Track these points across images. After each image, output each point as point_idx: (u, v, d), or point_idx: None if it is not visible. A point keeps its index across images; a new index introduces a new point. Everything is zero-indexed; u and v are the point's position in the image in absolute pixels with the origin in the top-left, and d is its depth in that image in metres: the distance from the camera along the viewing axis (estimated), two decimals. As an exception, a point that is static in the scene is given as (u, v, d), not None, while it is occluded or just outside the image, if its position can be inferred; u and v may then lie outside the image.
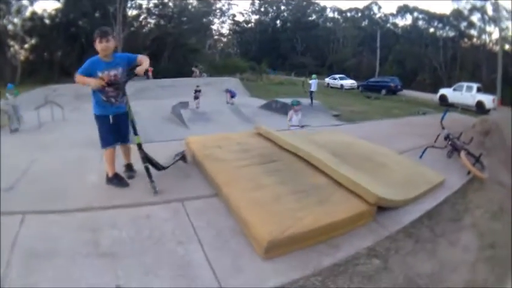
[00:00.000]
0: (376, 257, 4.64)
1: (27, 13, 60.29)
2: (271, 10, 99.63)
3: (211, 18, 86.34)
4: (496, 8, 57.66)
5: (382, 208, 5.58)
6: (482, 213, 5.94)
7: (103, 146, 6.74)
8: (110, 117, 6.70)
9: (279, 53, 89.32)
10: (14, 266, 4.27)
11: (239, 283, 4.13)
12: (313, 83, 31.39)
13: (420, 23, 78.18)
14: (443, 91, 32.39)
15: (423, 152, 8.79)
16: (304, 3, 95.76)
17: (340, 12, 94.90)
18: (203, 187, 6.57)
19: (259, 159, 7.37)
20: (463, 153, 8.07)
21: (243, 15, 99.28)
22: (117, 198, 6.17)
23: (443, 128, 9.46)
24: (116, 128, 6.80)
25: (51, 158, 8.86)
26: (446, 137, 9.12)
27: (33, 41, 64.00)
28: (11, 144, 11.63)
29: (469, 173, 7.65)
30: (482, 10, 62.06)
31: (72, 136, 12.95)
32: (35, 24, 61.11)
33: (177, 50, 63.23)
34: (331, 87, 53.33)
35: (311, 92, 29.98)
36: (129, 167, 7.34)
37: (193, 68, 49.28)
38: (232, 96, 29.92)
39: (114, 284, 4.04)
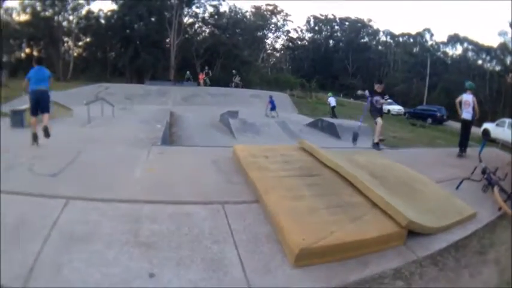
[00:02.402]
0: (401, 279, 4.82)
1: (83, 11, 62.32)
2: (325, 29, 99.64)
3: (265, 32, 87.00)
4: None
5: (413, 233, 5.74)
6: (506, 250, 6.05)
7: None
8: None
9: (330, 73, 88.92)
10: (50, 243, 4.69)
11: (267, 284, 4.38)
12: (331, 100, 34.93)
13: (469, 54, 77.44)
14: (486, 125, 31.99)
15: (460, 184, 8.82)
16: (359, 24, 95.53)
17: (393, 36, 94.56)
18: (245, 193, 6.89)
19: (299, 172, 7.70)
20: (496, 189, 8.14)
21: (297, 32, 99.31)
22: (160, 194, 6.55)
23: (480, 161, 9.54)
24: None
25: (97, 151, 9.41)
26: (483, 171, 9.17)
27: (87, 39, 66.28)
28: (60, 135, 12.02)
29: (500, 209, 7.65)
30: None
31: (119, 133, 13.18)
32: (90, 23, 63.18)
33: (229, 60, 63.71)
34: (379, 111, 52.07)
35: (333, 107, 33.51)
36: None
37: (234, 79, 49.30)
38: (272, 108, 29.86)
39: (147, 271, 4.36)
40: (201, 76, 48.00)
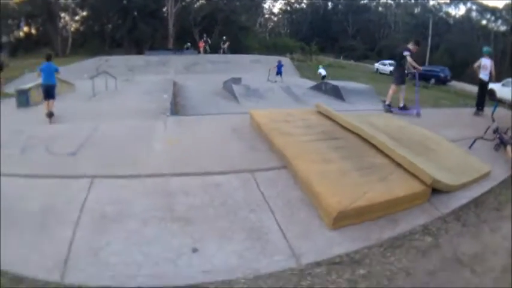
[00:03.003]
0: (429, 235, 5.13)
1: None
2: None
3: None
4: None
5: (434, 191, 6.03)
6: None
7: None
8: None
9: (329, 35, 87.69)
10: (83, 227, 4.71)
11: (309, 248, 4.61)
12: (321, 71, 34.61)
13: (473, 14, 76.55)
14: (492, 86, 31.61)
15: (473, 143, 9.10)
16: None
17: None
18: (272, 159, 7.10)
19: (322, 136, 7.96)
20: (509, 147, 8.45)
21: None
22: (186, 166, 6.67)
23: (493, 120, 9.79)
24: None
25: (111, 126, 9.41)
26: (495, 131, 9.43)
27: (84, 13, 64.91)
28: (67, 111, 12.10)
29: None
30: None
31: (127, 106, 13.07)
32: None
33: (228, 27, 62.50)
34: (380, 72, 51.82)
35: (323, 77, 32.61)
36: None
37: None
38: (278, 72, 28.72)
39: (190, 246, 4.49)
40: (201, 44, 47.64)
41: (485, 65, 13.47)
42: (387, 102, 13.42)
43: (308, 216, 5.21)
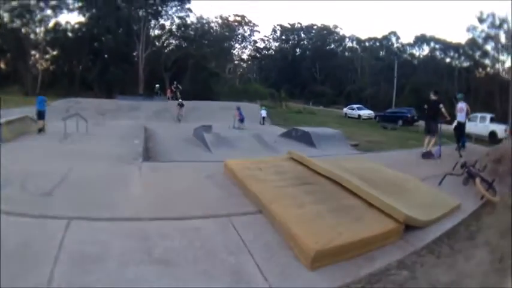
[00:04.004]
0: (405, 269, 5.27)
1: (51, 24, 61.35)
2: (291, 38, 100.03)
3: (232, 43, 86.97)
4: (510, 36, 58.04)
5: (408, 227, 6.24)
6: (493, 233, 6.59)
7: None
8: None
9: (298, 81, 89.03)
10: (61, 266, 4.62)
11: None
12: (263, 112, 35.30)
13: (437, 53, 78.41)
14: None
15: (442, 179, 9.46)
16: (325, 32, 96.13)
17: (359, 41, 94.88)
18: (247, 204, 7.21)
19: (295, 181, 8.13)
20: (477, 180, 8.79)
21: (264, 42, 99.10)
22: (164, 210, 6.74)
23: (460, 156, 10.15)
24: None
25: (85, 168, 9.37)
26: (463, 165, 9.80)
27: (54, 52, 64.85)
28: (42, 151, 12.03)
29: (482, 197, 8.35)
30: (496, 39, 62.28)
31: (99, 149, 12.76)
32: (58, 36, 61.91)
33: (198, 72, 63.10)
34: (349, 117, 53.13)
35: (263, 118, 34.27)
36: None
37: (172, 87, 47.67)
38: (241, 119, 29.09)
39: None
40: (169, 91, 47.66)
41: (462, 108, 15.31)
42: (425, 150, 13.87)
43: (286, 258, 5.27)
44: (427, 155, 13.54)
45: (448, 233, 6.56)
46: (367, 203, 6.78)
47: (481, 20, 63.00)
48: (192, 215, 6.56)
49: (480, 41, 65.47)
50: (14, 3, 55.00)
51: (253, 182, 7.85)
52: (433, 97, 14.21)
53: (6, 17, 55.98)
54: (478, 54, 67.19)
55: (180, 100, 30.56)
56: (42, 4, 57.92)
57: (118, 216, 6.30)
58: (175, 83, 47.39)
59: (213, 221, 6.40)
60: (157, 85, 48.16)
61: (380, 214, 6.36)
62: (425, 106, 14.45)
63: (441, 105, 13.80)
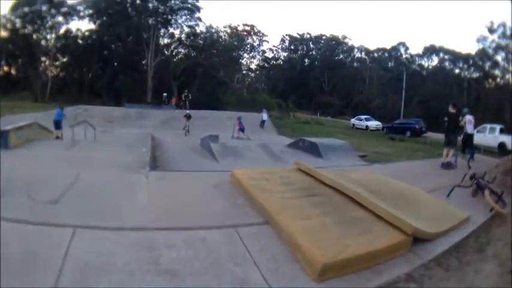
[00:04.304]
0: (414, 282, 5.21)
1: (62, 30, 61.94)
2: (300, 48, 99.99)
3: (241, 52, 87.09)
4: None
5: (416, 240, 6.16)
6: (503, 245, 6.52)
7: None
8: None
9: (306, 92, 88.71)
10: (66, 276, 4.56)
11: None
12: (264, 115, 37.31)
13: (446, 64, 78.06)
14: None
15: (451, 191, 9.37)
16: (333, 42, 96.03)
17: (368, 52, 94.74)
18: (253, 215, 7.13)
19: (302, 192, 8.06)
20: (487, 192, 8.69)
21: (273, 52, 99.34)
22: (170, 220, 6.67)
23: (469, 167, 10.06)
24: None
25: (92, 176, 9.24)
26: (472, 177, 9.72)
27: (65, 59, 65.40)
28: (49, 158, 11.98)
29: (491, 209, 8.26)
30: (506, 49, 61.88)
31: (107, 157, 12.61)
32: (68, 43, 62.40)
33: (206, 82, 63.34)
34: (357, 127, 52.87)
35: (263, 121, 36.48)
36: None
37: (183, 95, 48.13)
38: (242, 129, 29.09)
39: None
40: (174, 100, 47.67)
41: (470, 120, 15.76)
42: (446, 161, 13.98)
43: (293, 269, 5.21)
44: (448, 166, 13.60)
45: (457, 246, 6.50)
46: (374, 215, 6.71)
47: (491, 31, 62.88)
48: (198, 225, 6.49)
49: (490, 51, 65.23)
50: (26, 9, 55.40)
51: (259, 193, 7.79)
52: (451, 110, 14.39)
53: (18, 22, 56.46)
54: (488, 64, 66.89)
55: (187, 112, 30.24)
56: (53, 11, 58.26)
57: (124, 226, 6.23)
58: (186, 91, 47.41)
59: (219, 231, 6.33)
60: (165, 94, 48.23)
61: (388, 226, 6.28)
62: (446, 119, 14.60)
63: (460, 118, 14.33)
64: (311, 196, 7.84)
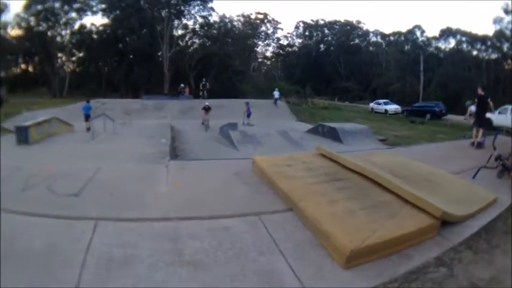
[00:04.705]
0: (443, 266, 5.09)
1: (76, 26, 62.17)
2: (315, 34, 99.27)
3: (255, 40, 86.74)
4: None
5: (444, 223, 6.03)
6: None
7: None
8: None
9: (323, 77, 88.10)
10: (89, 270, 4.56)
11: None
12: (275, 93, 40.80)
13: (463, 45, 77.13)
14: (488, 114, 31.37)
15: (476, 172, 9.20)
16: (348, 27, 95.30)
17: (383, 36, 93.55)
18: (277, 202, 7.05)
19: (326, 177, 7.94)
20: None
21: (287, 39, 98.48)
22: (193, 210, 6.63)
23: (494, 148, 9.87)
24: None
25: (112, 168, 9.36)
26: (497, 158, 9.54)
27: (80, 54, 66.07)
28: (68, 152, 12.03)
29: None
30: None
31: (127, 149, 13.19)
32: (83, 38, 62.86)
33: (222, 71, 63.48)
34: (376, 112, 52.13)
35: (276, 99, 40.35)
36: None
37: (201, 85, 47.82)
38: (248, 114, 29.44)
39: None
40: (187, 90, 47.64)
41: (473, 111, 16.62)
42: (477, 141, 14.12)
43: (319, 257, 5.13)
44: (479, 145, 13.71)
45: (486, 228, 6.34)
46: (401, 198, 6.58)
47: (507, 11, 61.89)
48: (221, 214, 6.45)
49: (508, 32, 64.24)
50: (39, 7, 55.67)
51: (282, 179, 7.72)
52: (480, 92, 14.30)
53: (32, 20, 56.73)
54: (506, 46, 65.91)
55: (206, 104, 29.10)
56: (66, 7, 58.46)
57: (146, 217, 6.22)
58: (204, 80, 47.36)
59: (242, 219, 6.29)
60: (182, 85, 48.22)
61: (415, 210, 6.16)
62: (476, 100, 14.85)
63: (489, 99, 14.03)
64: (335, 181, 7.72)
